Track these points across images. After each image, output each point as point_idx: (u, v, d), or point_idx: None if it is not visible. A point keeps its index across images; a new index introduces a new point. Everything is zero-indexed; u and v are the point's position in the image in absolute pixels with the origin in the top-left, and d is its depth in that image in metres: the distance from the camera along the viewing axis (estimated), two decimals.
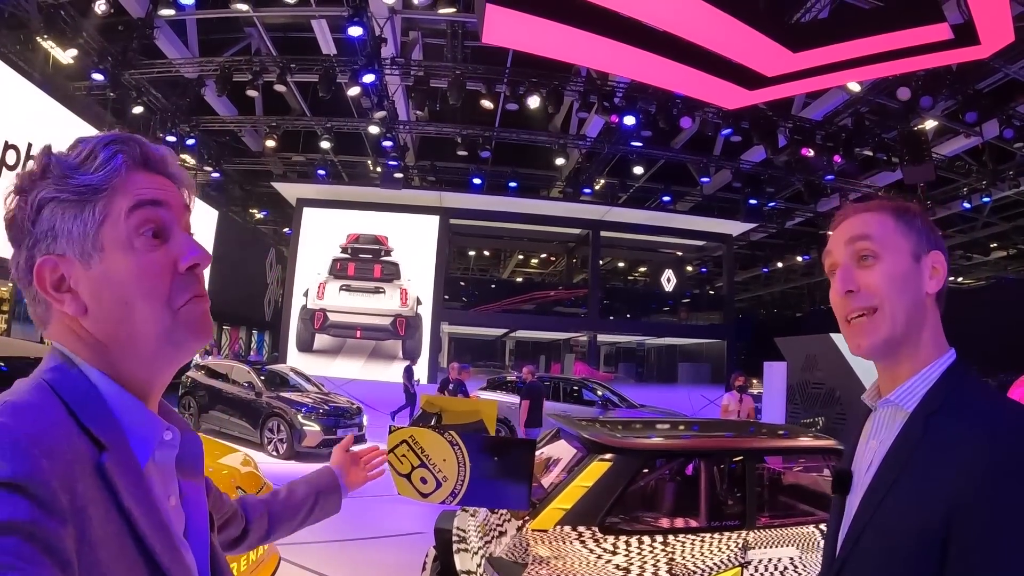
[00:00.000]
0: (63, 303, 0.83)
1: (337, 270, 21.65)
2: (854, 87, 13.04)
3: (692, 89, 9.33)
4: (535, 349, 35.34)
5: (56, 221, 0.83)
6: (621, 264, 34.05)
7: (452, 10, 11.23)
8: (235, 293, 21.90)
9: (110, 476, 0.77)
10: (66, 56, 11.98)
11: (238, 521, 1.30)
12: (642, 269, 34.13)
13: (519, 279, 34.42)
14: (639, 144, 18.11)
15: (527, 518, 3.85)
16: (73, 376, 0.82)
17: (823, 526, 4.21)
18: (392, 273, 21.92)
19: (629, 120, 14.46)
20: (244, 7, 10.98)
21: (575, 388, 15.82)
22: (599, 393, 15.47)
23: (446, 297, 22.95)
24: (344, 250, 21.94)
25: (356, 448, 1.77)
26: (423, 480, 2.08)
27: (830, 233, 1.29)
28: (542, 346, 34.88)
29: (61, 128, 12.99)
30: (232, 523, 1.29)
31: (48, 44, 11.72)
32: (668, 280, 27.19)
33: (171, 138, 15.89)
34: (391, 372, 21.14)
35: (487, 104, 14.62)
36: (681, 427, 5.96)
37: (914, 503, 1.04)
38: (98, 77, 12.66)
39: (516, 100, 14.40)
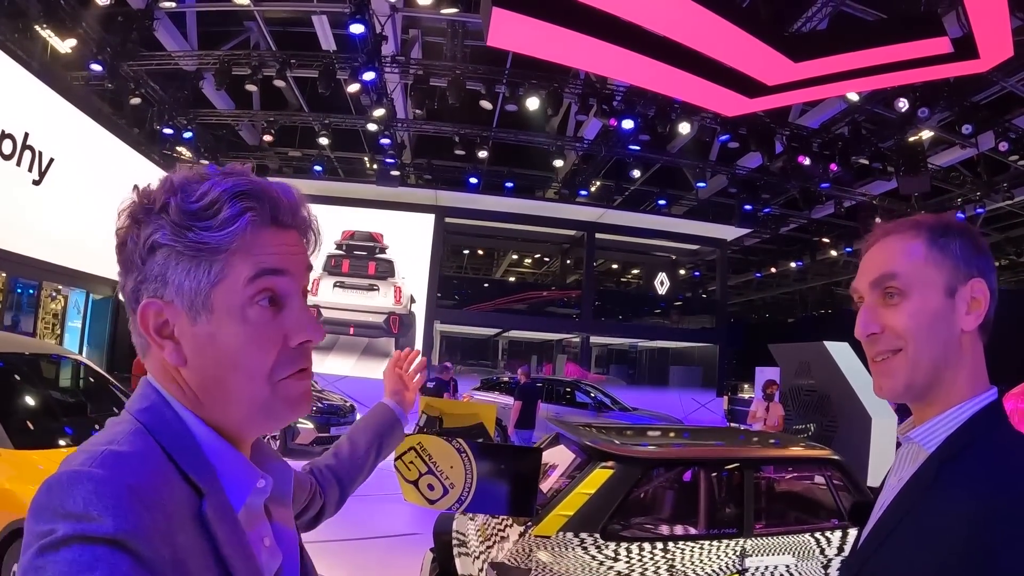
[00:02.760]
0: (163, 349, 0.80)
1: (331, 266, 21.61)
2: (852, 97, 13.11)
3: (693, 96, 9.37)
4: (527, 349, 35.34)
5: (168, 269, 0.78)
6: (615, 266, 34.09)
7: (454, 10, 11.21)
8: None
9: (210, 525, 0.75)
10: (64, 46, 11.91)
11: (316, 499, 1.28)
12: (636, 271, 34.19)
13: (512, 279, 34.42)
14: (636, 148, 18.15)
15: (530, 524, 3.88)
16: (169, 419, 0.80)
17: (819, 535, 4.26)
18: (386, 271, 21.90)
19: (627, 124, 14.49)
20: (245, 1, 10.94)
21: (568, 390, 15.86)
22: (592, 395, 15.52)
23: (439, 295, 22.94)
24: (339, 247, 21.89)
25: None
26: (430, 487, 2.10)
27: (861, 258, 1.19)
28: (534, 346, 34.89)
29: (58, 118, 12.94)
30: (312, 503, 1.27)
31: (47, 33, 11.65)
32: (661, 283, 27.25)
33: (168, 130, 15.82)
34: (384, 370, 21.10)
35: (486, 104, 14.63)
36: (681, 435, 6.01)
37: (906, 558, 0.98)
38: (96, 68, 12.59)
39: (515, 101, 14.41)
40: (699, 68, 8.15)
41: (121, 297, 0.85)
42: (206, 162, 18.70)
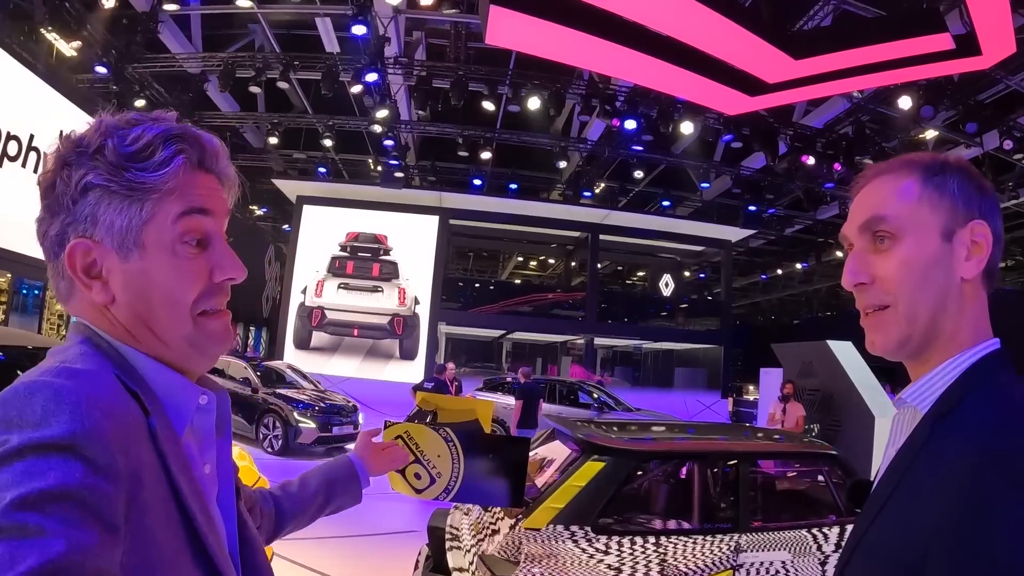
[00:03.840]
0: (91, 289, 0.83)
1: (336, 268, 21.65)
2: (856, 94, 13.08)
3: (694, 94, 9.38)
4: (532, 351, 35.35)
5: (100, 208, 0.81)
6: (619, 268, 34.08)
7: (455, 10, 11.25)
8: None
9: (158, 440, 0.77)
10: (69, 48, 11.99)
11: (255, 515, 1.23)
12: (640, 273, 34.16)
13: (517, 281, 34.43)
14: (640, 148, 18.14)
15: (520, 516, 3.87)
16: (105, 346, 0.82)
17: (815, 530, 4.23)
18: (391, 272, 21.93)
19: (630, 124, 14.49)
20: (248, 3, 11.01)
21: (571, 390, 15.86)
22: (595, 396, 15.51)
23: (444, 297, 22.95)
24: (343, 248, 21.94)
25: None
26: (417, 476, 2.08)
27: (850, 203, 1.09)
28: (539, 348, 34.89)
29: (63, 120, 13.00)
30: (251, 514, 1.21)
31: (52, 36, 11.73)
32: (666, 285, 27.20)
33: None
34: (387, 371, 21.15)
35: (489, 105, 14.65)
36: (675, 429, 5.98)
37: (902, 525, 0.89)
38: (101, 70, 12.68)
39: (518, 102, 14.43)
40: (699, 66, 8.16)
41: (39, 245, 0.87)
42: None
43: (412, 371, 20.74)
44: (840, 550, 4.01)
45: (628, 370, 33.03)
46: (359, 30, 11.41)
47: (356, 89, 13.51)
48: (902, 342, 0.97)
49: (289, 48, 14.23)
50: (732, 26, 7.35)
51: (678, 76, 8.25)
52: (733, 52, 8.00)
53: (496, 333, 29.70)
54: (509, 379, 15.71)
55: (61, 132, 0.85)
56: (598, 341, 26.18)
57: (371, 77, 12.89)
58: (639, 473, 4.47)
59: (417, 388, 11.22)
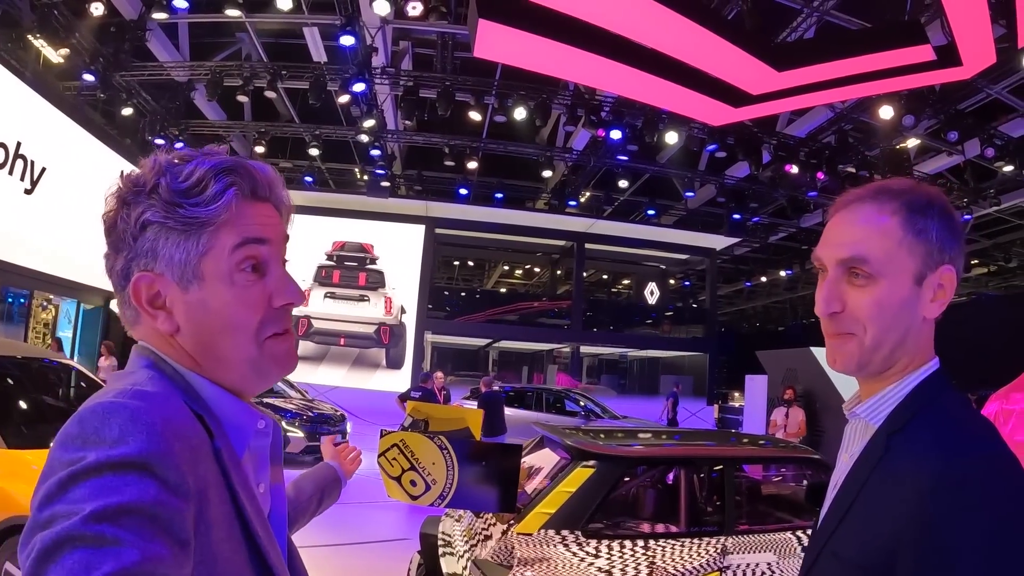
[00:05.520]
0: (156, 319, 0.87)
1: (322, 277, 21.63)
2: (838, 105, 13.28)
3: (679, 106, 9.51)
4: (518, 360, 35.37)
5: (159, 243, 0.85)
6: (605, 276, 34.22)
7: (444, 22, 11.35)
8: None
9: (223, 462, 0.82)
10: (57, 55, 11.96)
11: None
12: (626, 282, 34.30)
13: (503, 289, 34.50)
14: (625, 158, 18.29)
15: (512, 522, 3.93)
16: (169, 371, 0.87)
17: (800, 532, 4.33)
18: (377, 281, 21.94)
19: (615, 134, 14.63)
20: (237, 12, 11.05)
21: (557, 399, 15.92)
22: (581, 404, 15.58)
23: (430, 306, 22.98)
24: (329, 257, 21.93)
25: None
26: (412, 483, 2.15)
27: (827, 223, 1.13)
28: (525, 357, 34.91)
29: (50, 128, 12.96)
30: None
31: (40, 43, 11.71)
32: (652, 293, 27.35)
33: (160, 141, 15.87)
34: (374, 380, 21.13)
35: (475, 115, 14.74)
36: (662, 436, 6.07)
37: (865, 535, 0.97)
38: (89, 78, 12.64)
39: (504, 112, 14.52)
40: (684, 78, 8.28)
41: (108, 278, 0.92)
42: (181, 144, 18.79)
43: (399, 380, 20.73)
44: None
45: (614, 378, 33.11)
46: (347, 40, 11.47)
47: (343, 99, 13.56)
48: (861, 366, 1.05)
49: (276, 57, 14.26)
50: (716, 39, 7.48)
51: (664, 88, 8.37)
52: (718, 64, 8.14)
53: (482, 342, 29.73)
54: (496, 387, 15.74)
55: (122, 172, 0.90)
56: (584, 349, 26.27)
57: (358, 87, 12.95)
58: (627, 478, 4.55)
59: (404, 397, 11.25)
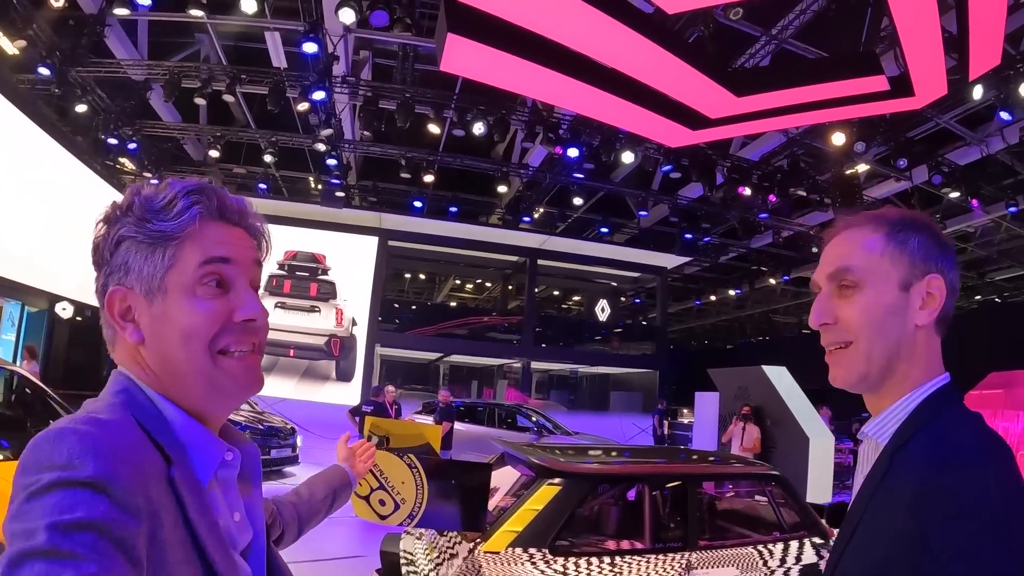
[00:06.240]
0: (125, 331, 0.92)
1: (273, 287, 21.24)
2: (792, 130, 13.64)
3: (639, 127, 9.62)
4: (469, 374, 35.25)
5: (130, 257, 0.90)
6: (556, 292, 34.41)
7: (409, 33, 11.29)
8: None
9: (178, 488, 0.84)
10: (13, 47, 11.50)
11: (276, 525, 1.36)
12: (576, 298, 34.56)
13: (453, 303, 34.39)
14: (581, 176, 18.47)
15: (478, 540, 3.90)
16: (140, 399, 0.90)
17: (761, 547, 4.40)
18: (328, 292, 21.64)
19: (573, 152, 14.76)
20: (200, 12, 10.83)
21: (509, 414, 15.90)
22: (533, 419, 15.58)
23: (380, 319, 22.76)
24: (281, 266, 21.55)
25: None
26: (381, 502, 2.11)
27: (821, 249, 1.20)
28: (475, 371, 34.81)
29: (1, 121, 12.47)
30: (272, 527, 1.33)
31: None
32: (602, 310, 27.61)
33: (113, 140, 15.38)
34: (323, 392, 20.79)
35: (434, 128, 14.71)
36: (626, 453, 6.12)
37: (866, 553, 0.99)
38: (44, 71, 12.17)
39: (463, 126, 14.52)
40: (646, 100, 8.41)
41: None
42: (148, 175, 18.31)
43: (348, 393, 20.44)
44: (784, 565, 4.17)
45: (564, 393, 33.26)
46: (310, 47, 11.35)
47: (303, 106, 13.38)
48: (861, 377, 1.09)
49: (235, 61, 13.98)
50: (680, 63, 7.61)
51: (625, 109, 8.46)
52: (679, 88, 8.28)
53: (432, 356, 29.54)
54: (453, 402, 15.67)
55: (113, 202, 0.96)
56: (535, 365, 26.33)
57: (319, 95, 12.80)
58: (593, 496, 4.56)
59: (355, 411, 11.17)
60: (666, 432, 18.88)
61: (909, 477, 0.96)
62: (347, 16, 9.75)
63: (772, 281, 25.65)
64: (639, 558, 4.10)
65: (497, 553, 3.85)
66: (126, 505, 0.74)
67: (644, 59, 7.56)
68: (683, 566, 4.11)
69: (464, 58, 7.33)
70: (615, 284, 29.23)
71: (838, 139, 12.67)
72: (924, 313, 1.07)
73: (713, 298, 32.15)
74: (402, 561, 4.30)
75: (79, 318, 15.23)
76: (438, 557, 4.11)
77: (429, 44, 12.78)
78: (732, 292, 29.37)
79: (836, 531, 1.18)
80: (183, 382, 0.91)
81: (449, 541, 4.14)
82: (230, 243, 0.96)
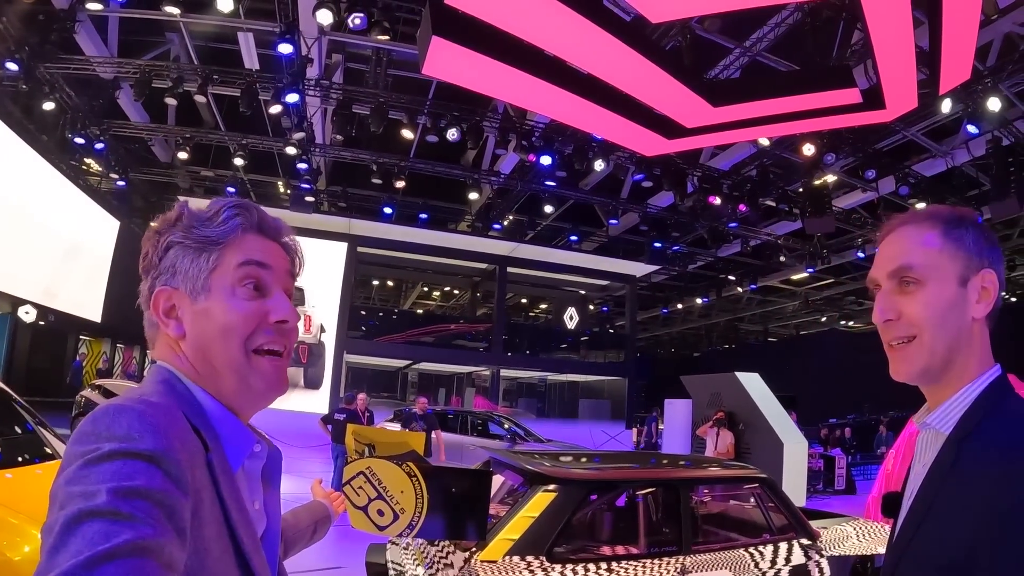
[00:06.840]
0: (168, 327, 1.00)
1: None
2: (763, 141, 13.84)
3: (615, 135, 9.67)
4: (437, 382, 35.09)
5: (177, 260, 1.00)
6: (524, 300, 34.45)
7: (386, 37, 11.21)
8: (132, 310, 20.70)
9: (215, 471, 0.91)
10: None
11: None
12: (544, 306, 34.66)
13: (420, 311, 34.22)
14: (553, 184, 18.52)
15: (474, 549, 3.86)
16: (180, 388, 0.97)
17: (752, 549, 4.43)
18: (297, 299, 20.96)
19: (546, 160, 14.79)
20: (175, 11, 10.62)
21: (481, 422, 15.83)
22: (506, 427, 15.52)
23: (349, 326, 22.53)
24: None
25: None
26: (380, 512, 2.05)
27: (876, 248, 1.24)
28: (444, 379, 34.69)
29: None
30: None
31: None
32: (571, 318, 27.72)
33: (80, 140, 14.93)
34: (291, 400, 20.46)
35: (407, 134, 14.62)
36: (620, 459, 6.13)
37: (943, 536, 1.03)
38: (12, 67, 11.80)
39: (437, 132, 14.46)
40: (624, 108, 8.46)
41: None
42: (115, 176, 17.85)
43: (317, 401, 20.18)
44: (775, 567, 4.20)
45: (532, 401, 33.28)
46: (285, 49, 11.20)
47: (275, 109, 13.17)
48: (924, 370, 1.13)
49: (207, 61, 13.73)
50: (658, 71, 7.67)
51: (603, 117, 8.50)
52: (656, 96, 8.35)
53: (401, 363, 29.35)
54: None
55: (161, 215, 1.06)
56: (503, 372, 26.30)
57: (292, 98, 12.63)
58: (589, 502, 4.54)
59: (327, 420, 11.02)
60: (643, 441, 19.00)
61: (988, 461, 1.00)
62: (325, 17, 9.65)
63: (739, 289, 26.01)
64: (635, 563, 4.09)
65: (494, 562, 3.81)
66: (178, 480, 0.80)
67: (624, 66, 7.60)
68: (678, 570, 4.11)
69: (446, 61, 7.29)
70: (584, 292, 29.36)
71: (808, 150, 12.92)
72: (980, 307, 1.12)
73: (680, 306, 32.48)
74: (391, 572, 4.23)
75: (42, 323, 14.75)
76: (432, 567, 4.05)
77: (403, 48, 12.72)
78: (699, 300, 29.69)
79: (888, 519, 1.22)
80: (218, 375, 0.99)
81: (442, 550, 4.08)
82: (266, 252, 1.05)
